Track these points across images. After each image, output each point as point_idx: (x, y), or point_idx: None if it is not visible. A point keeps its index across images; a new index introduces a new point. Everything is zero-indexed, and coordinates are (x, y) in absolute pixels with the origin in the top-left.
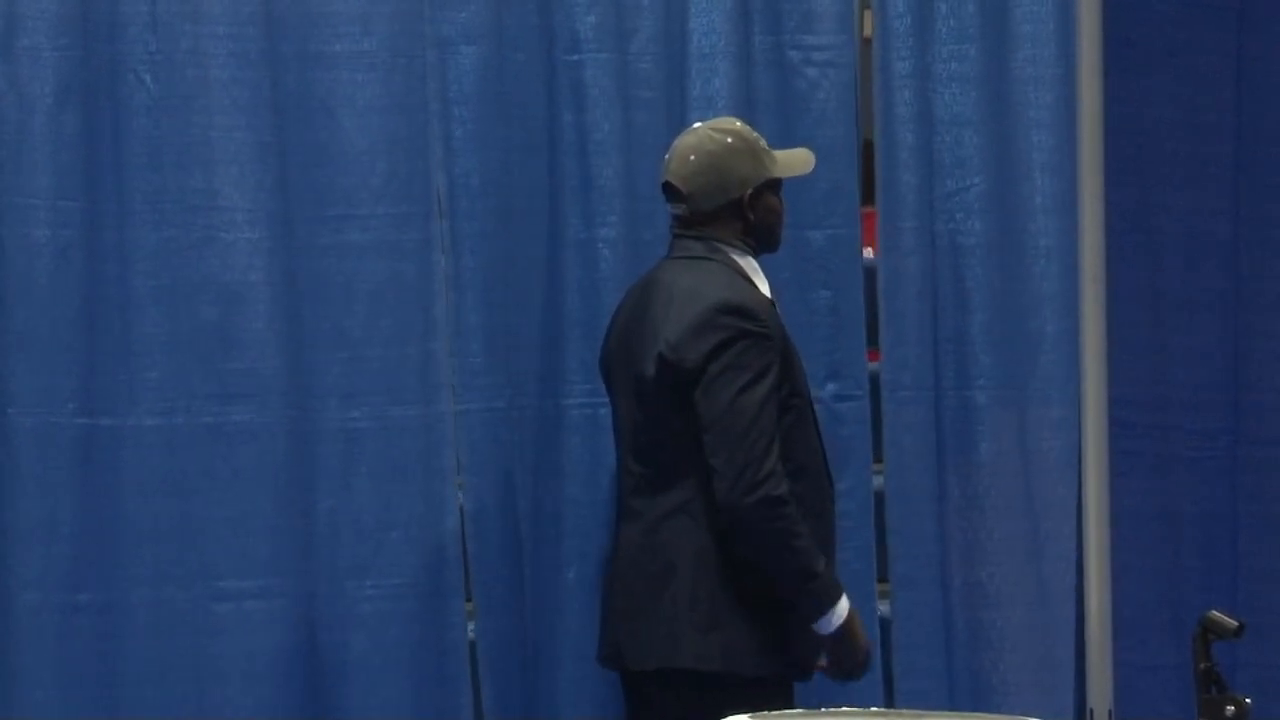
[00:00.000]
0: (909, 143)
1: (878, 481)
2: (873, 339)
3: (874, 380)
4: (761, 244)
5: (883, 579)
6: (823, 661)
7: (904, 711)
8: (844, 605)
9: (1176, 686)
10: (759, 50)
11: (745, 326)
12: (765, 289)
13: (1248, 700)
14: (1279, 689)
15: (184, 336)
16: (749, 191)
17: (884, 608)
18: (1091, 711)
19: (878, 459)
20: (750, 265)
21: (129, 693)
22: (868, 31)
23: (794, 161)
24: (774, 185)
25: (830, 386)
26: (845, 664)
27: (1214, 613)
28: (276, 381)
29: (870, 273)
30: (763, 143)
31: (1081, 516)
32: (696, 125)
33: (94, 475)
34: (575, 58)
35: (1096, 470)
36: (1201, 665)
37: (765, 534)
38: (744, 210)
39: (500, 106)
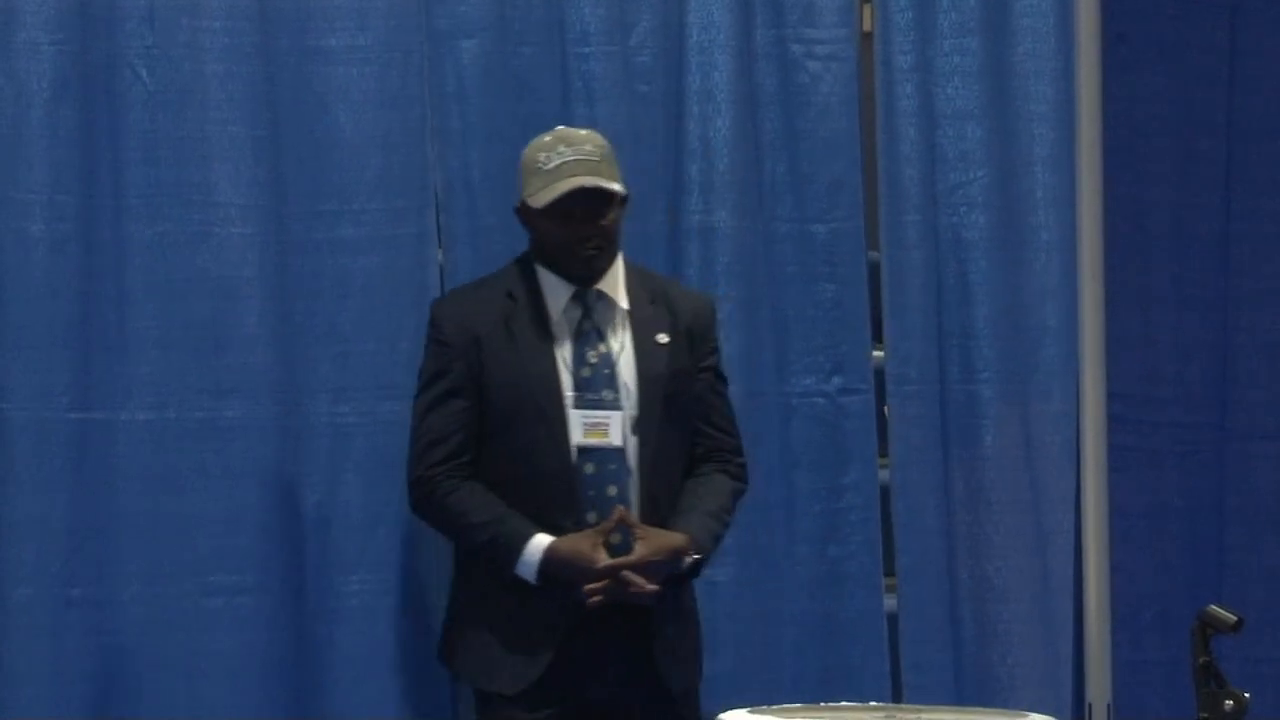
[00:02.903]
0: (911, 137)
1: (884, 475)
2: (877, 333)
3: (878, 374)
4: (543, 261)
5: (890, 573)
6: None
7: (902, 706)
8: (533, 549)
9: (1165, 681)
10: (760, 44)
11: (428, 333)
12: (554, 303)
13: (1246, 695)
14: (1266, 682)
15: (177, 331)
16: (519, 203)
17: (891, 602)
18: (1090, 706)
19: (882, 453)
20: (544, 276)
21: (121, 687)
22: (867, 26)
23: (546, 194)
24: (543, 210)
25: (835, 380)
26: (576, 589)
27: (1213, 607)
28: (268, 377)
29: (874, 267)
30: (545, 163)
31: (1079, 511)
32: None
33: (87, 470)
34: (586, 50)
35: (1095, 465)
36: (1201, 660)
37: (437, 529)
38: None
39: (506, 100)
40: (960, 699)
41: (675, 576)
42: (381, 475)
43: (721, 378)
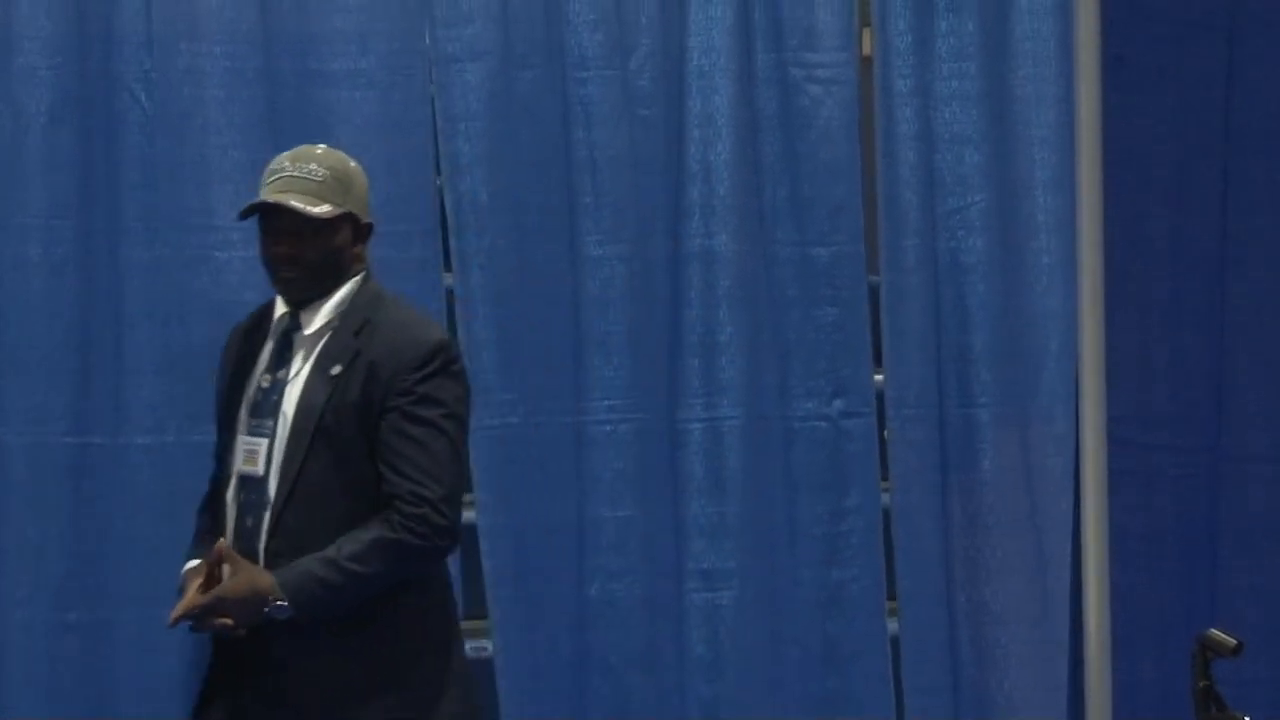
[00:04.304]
0: (910, 160)
1: (884, 499)
2: (877, 357)
3: (879, 398)
4: None
5: (893, 596)
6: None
7: None
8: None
9: (1161, 702)
10: (761, 68)
11: None
12: (275, 324)
13: (1246, 718)
14: (1260, 703)
15: (176, 355)
16: None
17: (893, 625)
18: None
19: (884, 476)
20: None
21: (117, 711)
22: (867, 50)
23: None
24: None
25: (837, 403)
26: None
27: (1213, 631)
28: None
29: (874, 291)
30: (266, 176)
31: (1078, 535)
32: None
33: (85, 494)
34: (585, 74)
35: (1095, 488)
36: (1201, 684)
37: None
38: None
39: (509, 124)
40: None
41: (293, 621)
42: None
43: (423, 422)
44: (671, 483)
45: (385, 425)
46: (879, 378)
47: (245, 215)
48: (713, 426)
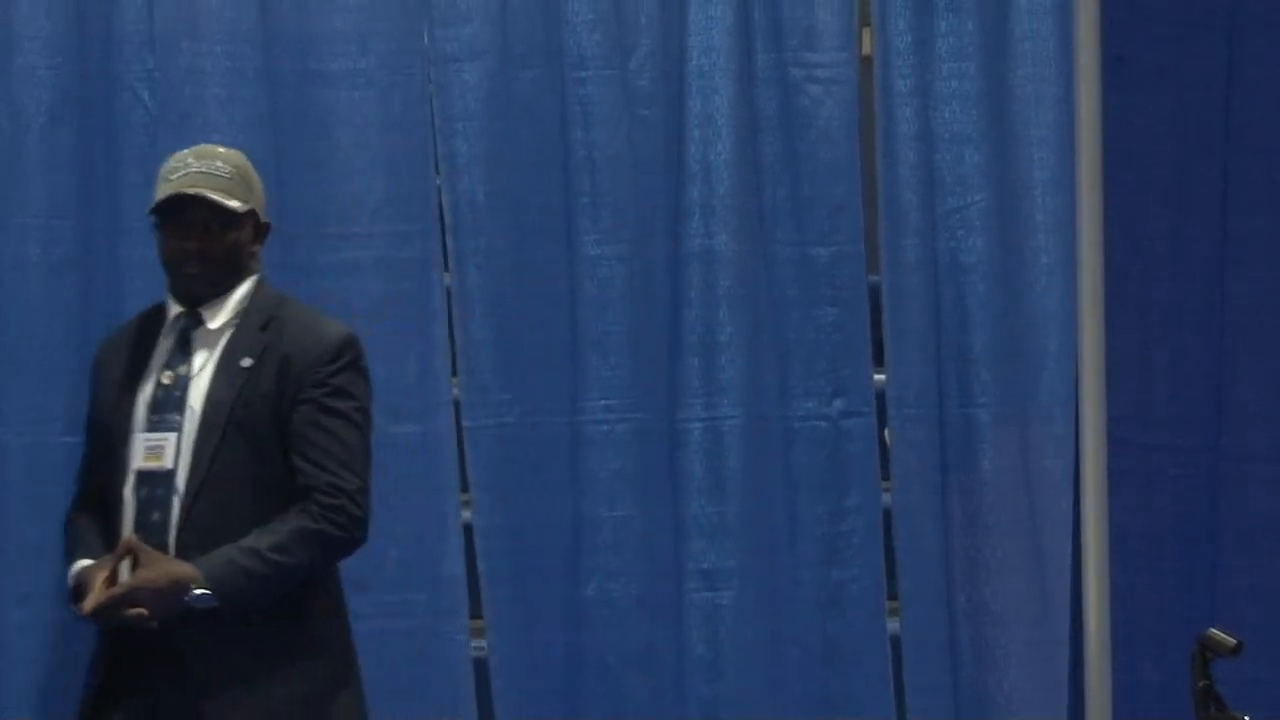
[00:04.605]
0: (910, 160)
1: (885, 499)
2: (878, 356)
3: (879, 398)
4: None
5: (894, 596)
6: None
7: None
8: (71, 575)
9: (1160, 702)
10: (761, 68)
11: None
12: (167, 324)
13: (1246, 717)
14: (1261, 703)
15: None
16: None
17: (894, 625)
18: None
19: (885, 476)
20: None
21: None
22: (867, 50)
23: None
24: (155, 220)
25: (837, 403)
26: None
27: (1213, 631)
28: None
29: (875, 290)
30: (169, 174)
31: (1078, 535)
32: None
33: None
34: (584, 74)
35: (1094, 488)
36: (1200, 684)
37: None
38: None
39: (508, 124)
40: None
41: (212, 612)
42: (394, 497)
43: (337, 414)
44: (671, 482)
45: (298, 417)
46: (879, 378)
47: (154, 210)
48: (713, 426)
